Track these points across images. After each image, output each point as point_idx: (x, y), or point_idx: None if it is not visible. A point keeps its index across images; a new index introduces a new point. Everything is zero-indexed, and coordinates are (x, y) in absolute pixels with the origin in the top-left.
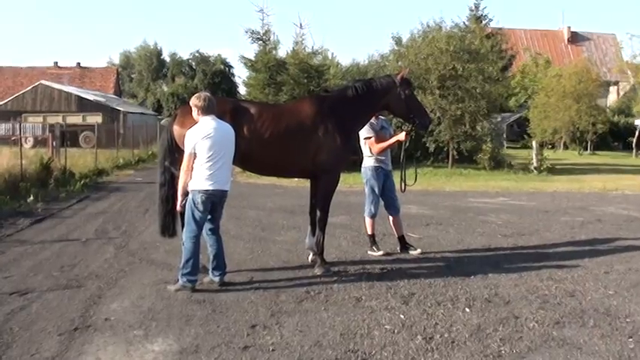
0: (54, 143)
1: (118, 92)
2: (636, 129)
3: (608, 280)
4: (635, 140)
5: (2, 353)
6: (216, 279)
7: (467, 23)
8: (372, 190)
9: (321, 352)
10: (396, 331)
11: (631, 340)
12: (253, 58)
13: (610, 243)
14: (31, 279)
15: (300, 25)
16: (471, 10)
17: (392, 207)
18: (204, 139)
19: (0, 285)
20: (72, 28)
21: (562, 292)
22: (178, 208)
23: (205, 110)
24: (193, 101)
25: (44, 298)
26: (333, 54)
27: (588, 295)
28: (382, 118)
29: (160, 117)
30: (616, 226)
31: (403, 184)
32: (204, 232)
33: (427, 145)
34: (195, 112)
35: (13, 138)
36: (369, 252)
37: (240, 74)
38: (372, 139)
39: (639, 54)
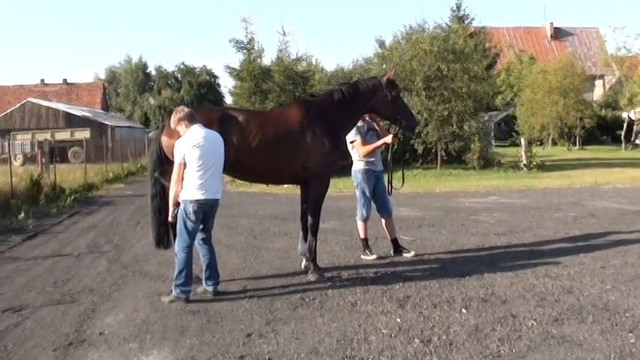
0: (43, 160)
1: (105, 107)
2: (624, 122)
3: (605, 275)
4: (623, 133)
5: None
6: (210, 288)
7: (449, 24)
8: (363, 193)
9: (318, 359)
10: (393, 335)
11: (631, 334)
12: (238, 67)
13: (605, 237)
14: (25, 295)
15: (284, 32)
16: (453, 11)
17: (384, 209)
18: (193, 148)
19: None
20: (57, 45)
21: (559, 288)
22: (170, 218)
23: (189, 118)
24: (174, 118)
25: (38, 314)
26: (317, 60)
27: (586, 291)
28: (368, 120)
29: (147, 130)
30: (610, 220)
31: (390, 187)
32: (196, 242)
33: (415, 146)
34: (181, 127)
35: (2, 156)
36: (362, 256)
37: (226, 84)
38: (358, 141)
39: (623, 46)
